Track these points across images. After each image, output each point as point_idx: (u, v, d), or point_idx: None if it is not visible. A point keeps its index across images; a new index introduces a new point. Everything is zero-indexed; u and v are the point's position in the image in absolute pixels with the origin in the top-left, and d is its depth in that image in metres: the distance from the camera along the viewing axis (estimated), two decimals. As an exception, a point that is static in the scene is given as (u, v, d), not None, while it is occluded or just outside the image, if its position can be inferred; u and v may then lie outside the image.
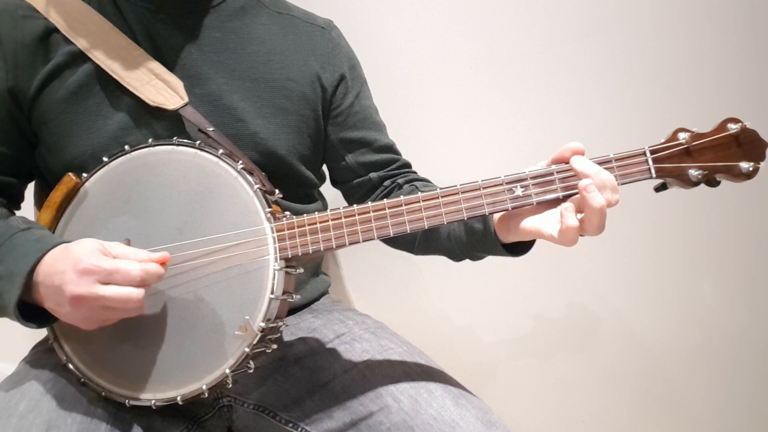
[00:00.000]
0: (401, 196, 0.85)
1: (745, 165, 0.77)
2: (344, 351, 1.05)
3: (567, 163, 0.82)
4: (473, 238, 0.97)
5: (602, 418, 1.61)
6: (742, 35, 1.44)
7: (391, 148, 1.20)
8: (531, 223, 0.85)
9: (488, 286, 1.57)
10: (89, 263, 0.78)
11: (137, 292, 0.79)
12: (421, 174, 1.21)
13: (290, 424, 0.99)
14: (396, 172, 1.18)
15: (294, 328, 1.11)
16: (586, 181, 0.78)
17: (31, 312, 0.84)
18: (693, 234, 1.52)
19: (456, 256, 1.05)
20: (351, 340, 1.08)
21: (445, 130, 1.52)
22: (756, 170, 0.77)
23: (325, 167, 1.23)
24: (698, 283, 1.55)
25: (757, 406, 1.58)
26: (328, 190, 1.26)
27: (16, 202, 1.04)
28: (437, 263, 1.55)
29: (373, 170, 1.17)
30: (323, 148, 1.17)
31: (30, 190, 1.07)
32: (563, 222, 0.80)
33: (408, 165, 1.22)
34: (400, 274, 1.60)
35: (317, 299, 1.22)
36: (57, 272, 0.79)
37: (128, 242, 0.89)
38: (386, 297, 1.61)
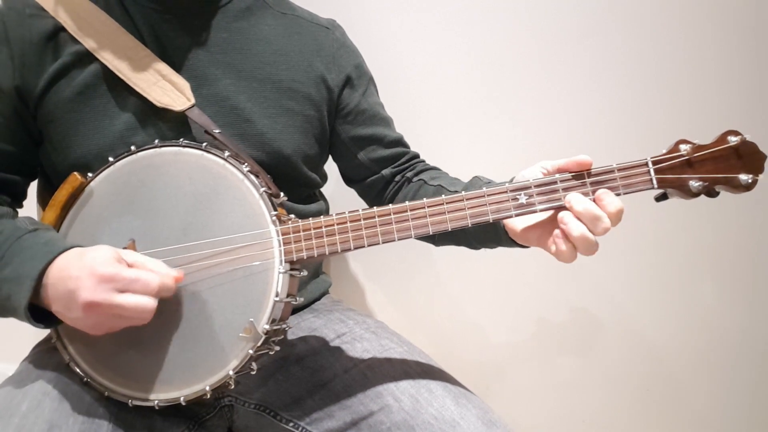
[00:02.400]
0: (407, 202, 0.85)
1: (744, 177, 0.77)
2: (345, 350, 1.06)
3: (572, 172, 0.83)
4: (486, 235, 0.99)
5: (602, 419, 1.62)
6: (743, 36, 1.45)
7: (400, 142, 1.22)
8: (534, 241, 0.88)
9: (489, 287, 1.58)
10: (108, 270, 0.78)
11: (152, 303, 0.79)
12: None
13: (291, 424, 1.00)
14: (406, 165, 1.20)
15: (295, 328, 1.12)
16: (564, 215, 0.81)
17: (39, 313, 0.84)
18: (693, 235, 1.53)
19: (473, 246, 1.06)
20: (352, 340, 1.08)
21: (445, 129, 1.52)
22: (755, 182, 0.78)
23: (335, 167, 1.24)
24: (698, 284, 1.55)
25: (757, 407, 1.59)
26: (327, 189, 1.27)
27: (19, 200, 1.04)
28: (439, 263, 1.57)
29: (385, 166, 1.19)
30: (334, 147, 1.18)
31: (33, 188, 1.07)
32: (556, 247, 0.83)
33: (416, 156, 1.23)
34: (402, 275, 1.60)
35: (318, 299, 1.23)
36: (70, 277, 0.79)
37: (133, 243, 0.90)
38: (389, 297, 1.62)
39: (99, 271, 0.78)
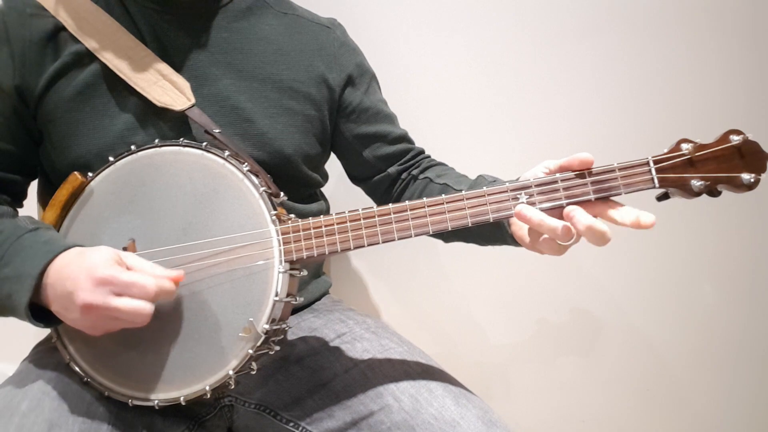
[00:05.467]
0: (406, 202, 0.85)
1: (746, 176, 0.77)
2: (345, 350, 1.06)
3: (574, 171, 0.82)
4: (492, 234, 0.99)
5: (602, 419, 1.62)
6: (743, 36, 1.45)
7: (404, 138, 1.21)
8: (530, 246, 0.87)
9: (490, 287, 1.58)
10: (106, 273, 0.78)
11: (148, 307, 0.79)
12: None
13: (291, 424, 0.99)
14: (412, 162, 1.20)
15: (295, 328, 1.11)
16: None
17: (39, 312, 0.84)
18: (693, 235, 1.53)
19: (480, 243, 1.05)
20: (352, 340, 1.08)
21: (446, 129, 1.52)
22: (757, 182, 0.77)
23: (336, 167, 1.24)
24: (698, 284, 1.55)
25: (757, 407, 1.59)
26: (328, 189, 1.27)
27: (19, 199, 1.04)
28: (439, 264, 1.56)
29: (391, 163, 1.18)
30: (339, 146, 1.18)
31: (33, 188, 1.07)
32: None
33: (422, 152, 1.23)
34: (403, 276, 1.60)
35: (318, 299, 1.22)
36: (69, 277, 0.79)
37: (133, 242, 0.90)
38: (389, 298, 1.62)
39: (97, 273, 0.78)
